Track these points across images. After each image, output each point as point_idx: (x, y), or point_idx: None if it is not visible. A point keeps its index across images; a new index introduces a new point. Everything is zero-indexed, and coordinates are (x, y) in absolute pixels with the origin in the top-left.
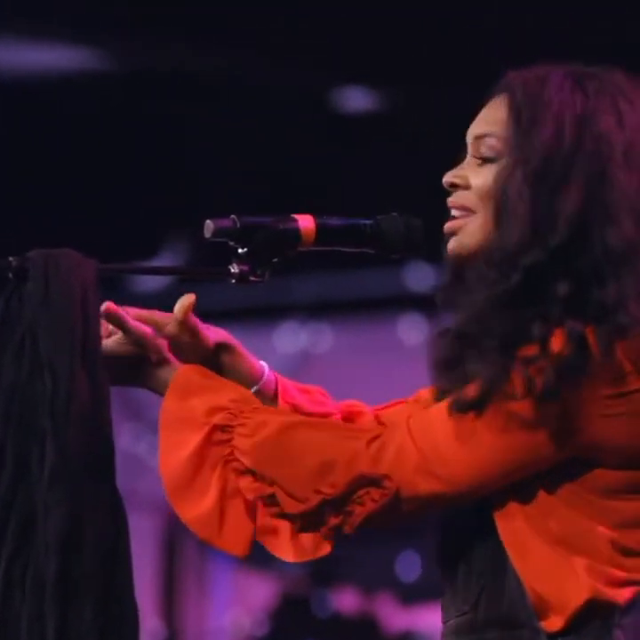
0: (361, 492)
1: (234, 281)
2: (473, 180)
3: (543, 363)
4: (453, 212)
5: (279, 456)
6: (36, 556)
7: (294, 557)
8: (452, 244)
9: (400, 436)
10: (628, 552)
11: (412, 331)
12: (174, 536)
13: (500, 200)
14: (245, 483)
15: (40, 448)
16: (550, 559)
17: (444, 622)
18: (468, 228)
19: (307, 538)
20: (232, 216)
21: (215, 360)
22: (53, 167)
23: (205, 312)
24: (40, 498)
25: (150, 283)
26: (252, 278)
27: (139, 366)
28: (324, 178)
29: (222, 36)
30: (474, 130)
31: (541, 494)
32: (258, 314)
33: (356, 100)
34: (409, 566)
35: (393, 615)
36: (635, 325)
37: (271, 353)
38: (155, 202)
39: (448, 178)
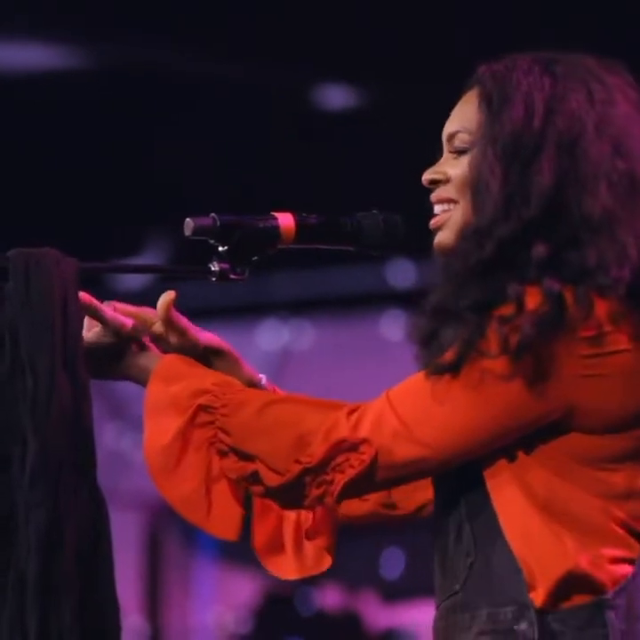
0: (340, 459)
1: (214, 279)
2: (451, 172)
3: (519, 320)
4: (436, 209)
5: (259, 431)
6: (17, 557)
7: (296, 574)
8: (437, 239)
9: (379, 403)
10: (624, 525)
11: (395, 327)
12: (157, 533)
13: (475, 183)
14: (228, 463)
15: (21, 448)
16: (536, 523)
17: (437, 606)
18: (451, 220)
19: (308, 550)
20: (212, 214)
21: (207, 364)
22: (33, 166)
23: (187, 310)
24: (21, 497)
25: (132, 281)
26: (232, 276)
27: (120, 357)
28: (304, 175)
29: (200, 34)
30: (448, 128)
31: (526, 459)
32: (239, 312)
33: (335, 96)
34: (393, 563)
35: (377, 612)
36: (616, 287)
37: (253, 350)
38: (136, 200)
39: (427, 175)
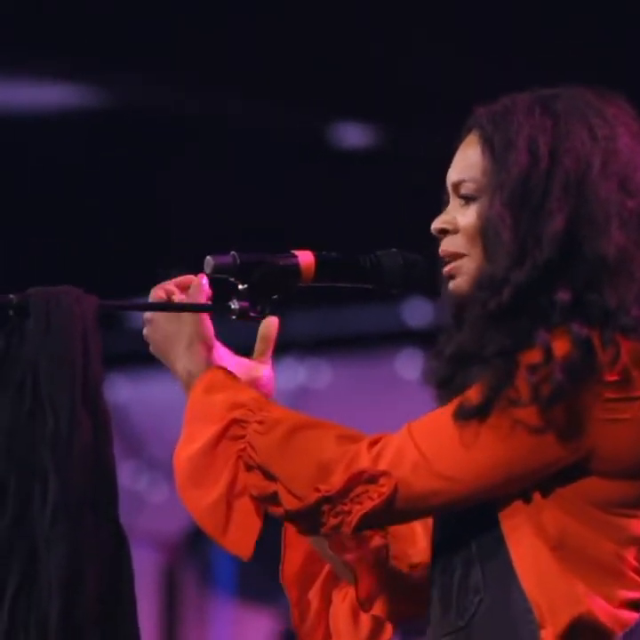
0: (359, 490)
1: (234, 317)
2: (460, 221)
3: (549, 368)
4: (445, 257)
5: (284, 454)
6: (39, 595)
7: None
8: (453, 286)
9: (401, 437)
10: (636, 570)
11: (411, 366)
12: (174, 572)
13: (484, 233)
14: (252, 479)
15: (42, 486)
16: (549, 564)
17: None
18: (463, 270)
19: (365, 622)
20: (232, 252)
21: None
22: (51, 205)
23: None
24: (42, 536)
25: None
26: (251, 314)
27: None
28: (322, 215)
29: (214, 73)
30: (452, 176)
31: (542, 501)
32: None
33: (351, 135)
34: None
35: None
36: (637, 327)
37: None
38: (156, 238)
39: (437, 225)
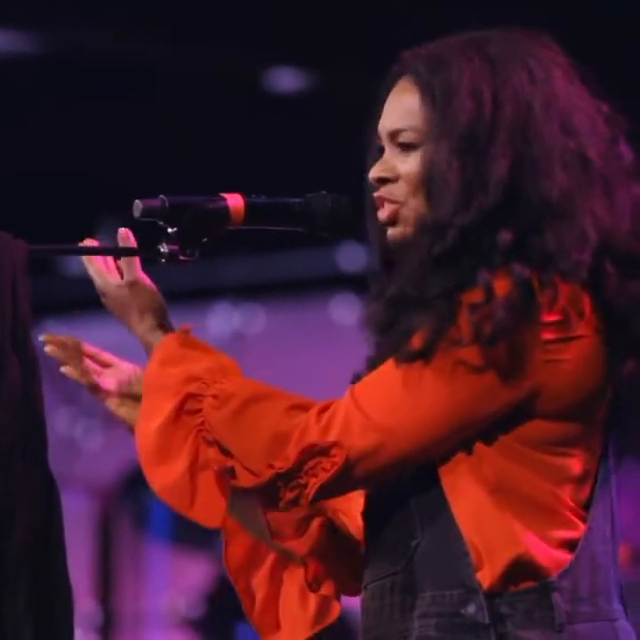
0: (312, 463)
1: (164, 260)
2: (400, 169)
3: (491, 307)
4: (385, 204)
5: (237, 429)
6: None
7: (309, 631)
8: (391, 233)
9: (345, 402)
10: (571, 509)
11: (345, 311)
12: (109, 519)
13: (429, 179)
14: (211, 454)
15: None
16: (486, 506)
17: (366, 585)
18: (402, 217)
19: (313, 600)
20: (161, 196)
21: None
22: None
23: None
24: None
25: (82, 264)
26: (181, 257)
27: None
28: (254, 159)
29: (149, 17)
30: (388, 124)
31: (483, 449)
32: (190, 296)
33: (285, 80)
34: None
35: None
36: (577, 272)
37: (204, 335)
38: (86, 183)
39: (375, 174)
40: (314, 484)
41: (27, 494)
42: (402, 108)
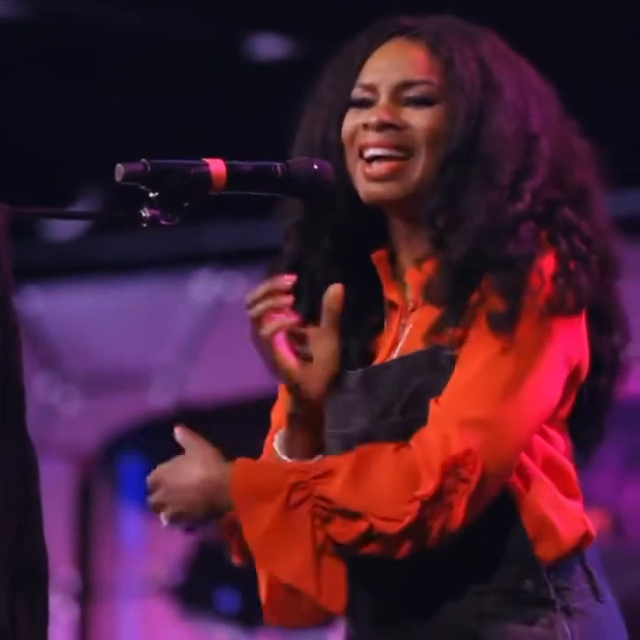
0: (450, 481)
1: (145, 225)
2: (414, 121)
3: (572, 273)
4: (385, 152)
5: (363, 488)
6: None
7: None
8: (384, 189)
9: (443, 412)
10: (578, 484)
11: None
12: (87, 485)
13: (449, 141)
14: (335, 528)
15: None
16: (541, 482)
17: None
18: (405, 173)
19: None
20: (143, 160)
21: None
22: None
23: (119, 262)
24: None
25: (63, 230)
26: (163, 222)
27: None
28: (237, 126)
29: None
30: (393, 76)
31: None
32: (172, 262)
33: (268, 47)
34: None
35: None
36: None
37: (186, 301)
38: (68, 148)
39: (384, 117)
40: (460, 501)
41: (4, 460)
42: (410, 63)
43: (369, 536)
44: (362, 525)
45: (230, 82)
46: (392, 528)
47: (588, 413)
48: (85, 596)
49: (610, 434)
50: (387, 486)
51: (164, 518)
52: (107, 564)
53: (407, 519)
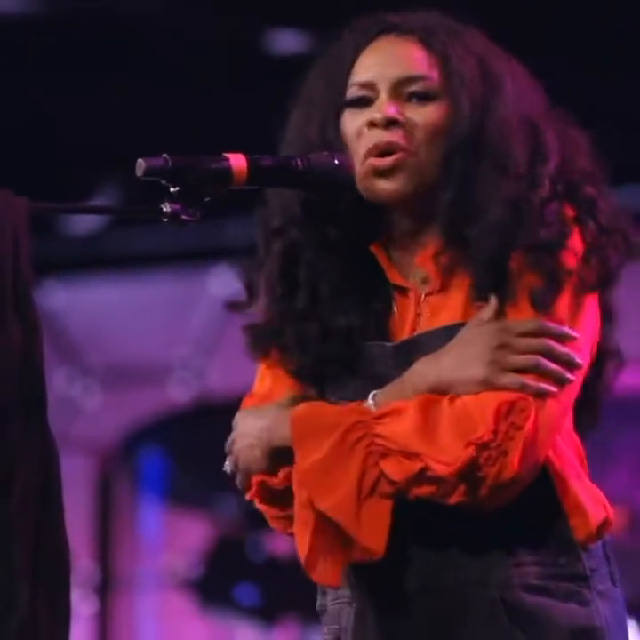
0: (505, 426)
1: (166, 220)
2: (418, 116)
3: (601, 252)
4: (391, 148)
5: (426, 430)
6: None
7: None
8: (391, 185)
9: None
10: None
11: None
12: (107, 479)
13: (453, 135)
14: (391, 465)
15: None
16: (574, 467)
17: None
18: (406, 166)
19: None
20: (164, 155)
21: None
22: None
23: (138, 256)
24: None
25: (82, 225)
26: (184, 217)
27: None
28: (256, 121)
29: None
30: (394, 72)
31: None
32: (191, 257)
33: (285, 42)
34: None
35: None
36: None
37: (205, 296)
38: (88, 143)
39: (390, 112)
40: (516, 447)
41: (26, 454)
42: (407, 59)
43: (423, 476)
44: (417, 465)
45: (249, 76)
46: (446, 470)
47: (587, 397)
48: (105, 590)
49: (626, 431)
50: (444, 432)
51: (228, 463)
52: (126, 558)
53: (461, 462)
